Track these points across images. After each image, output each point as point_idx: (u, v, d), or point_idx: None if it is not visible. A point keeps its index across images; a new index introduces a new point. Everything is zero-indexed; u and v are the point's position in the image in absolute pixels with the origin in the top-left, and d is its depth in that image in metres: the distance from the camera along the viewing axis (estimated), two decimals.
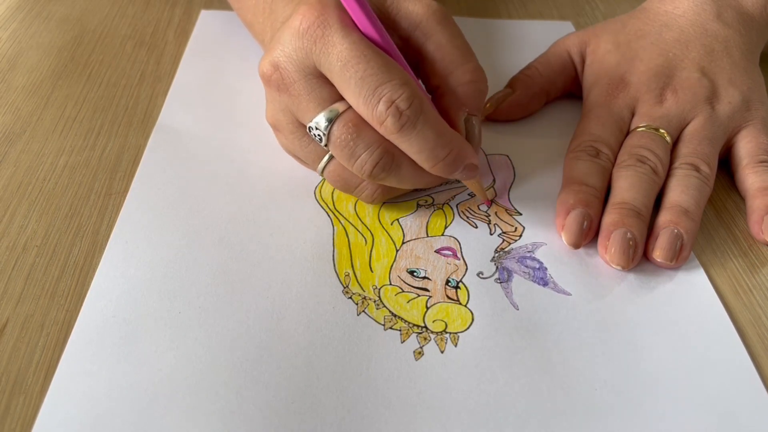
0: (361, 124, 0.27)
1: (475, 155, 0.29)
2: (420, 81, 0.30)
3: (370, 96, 0.26)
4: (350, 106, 0.27)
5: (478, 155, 0.30)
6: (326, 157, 0.30)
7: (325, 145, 0.28)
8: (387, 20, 0.30)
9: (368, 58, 0.26)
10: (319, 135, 0.28)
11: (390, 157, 0.28)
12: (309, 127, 0.28)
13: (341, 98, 0.27)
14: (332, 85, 0.27)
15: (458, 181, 0.34)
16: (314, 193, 0.33)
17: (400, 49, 0.29)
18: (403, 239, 0.31)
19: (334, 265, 0.29)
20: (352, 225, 0.31)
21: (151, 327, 0.26)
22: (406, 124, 0.26)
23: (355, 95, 0.26)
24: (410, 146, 0.27)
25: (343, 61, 0.26)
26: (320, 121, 0.27)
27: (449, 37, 0.29)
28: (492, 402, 0.24)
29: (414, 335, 0.26)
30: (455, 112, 0.29)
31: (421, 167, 0.28)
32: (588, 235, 0.30)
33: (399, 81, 0.26)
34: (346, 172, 0.30)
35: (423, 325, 0.27)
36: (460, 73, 0.29)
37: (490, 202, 0.33)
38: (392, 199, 0.32)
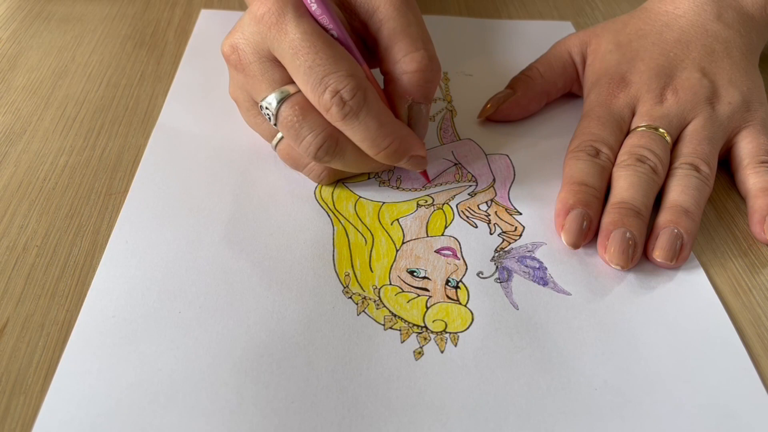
0: (307, 107, 0.28)
1: (420, 146, 0.30)
2: (370, 68, 0.31)
3: (317, 85, 0.27)
4: (299, 91, 0.29)
5: (424, 143, 0.32)
6: (278, 135, 0.32)
7: (274, 124, 0.29)
8: (346, 5, 0.31)
9: (317, 48, 0.27)
10: (269, 114, 0.29)
11: (333, 141, 0.29)
12: (261, 106, 0.30)
13: (292, 81, 0.29)
14: (284, 69, 0.29)
15: (458, 181, 0.34)
16: (314, 193, 0.33)
17: (359, 35, 0.31)
18: (403, 239, 0.31)
19: (334, 265, 0.29)
20: (352, 225, 0.31)
21: (151, 327, 0.26)
22: (349, 114, 0.28)
23: (303, 82, 0.28)
24: (353, 134, 0.29)
25: (294, 49, 0.27)
26: (271, 101, 0.29)
27: (403, 25, 0.30)
28: (492, 402, 0.24)
29: (414, 335, 0.26)
30: (398, 100, 0.31)
31: (365, 153, 0.30)
32: (587, 235, 0.30)
33: (345, 72, 0.27)
34: (296, 152, 0.31)
35: (423, 325, 0.27)
36: (407, 60, 0.30)
37: (429, 179, 0.34)
38: (347, 180, 0.34)
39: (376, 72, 0.32)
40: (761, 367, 0.26)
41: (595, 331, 0.27)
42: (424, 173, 0.34)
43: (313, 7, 0.28)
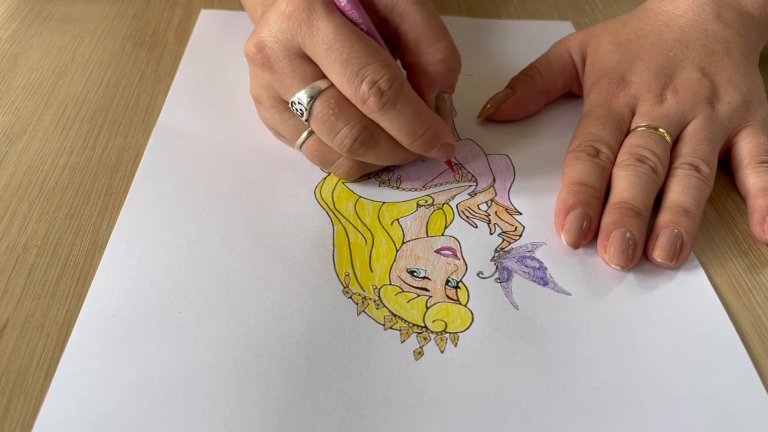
0: (342, 100, 0.29)
1: (451, 135, 0.31)
2: (397, 60, 0.32)
3: (354, 77, 0.28)
4: (331, 84, 0.29)
5: (452, 134, 0.33)
6: (305, 133, 0.31)
7: (306, 120, 0.30)
8: (365, 2, 0.31)
9: (352, 42, 0.28)
10: (301, 110, 0.29)
11: (369, 133, 0.29)
12: (291, 102, 0.30)
13: (323, 77, 0.29)
14: (314, 65, 0.29)
15: (458, 181, 0.34)
16: (314, 193, 0.33)
17: (378, 30, 0.31)
18: (403, 239, 0.31)
19: (334, 265, 0.29)
20: (352, 225, 0.31)
21: (151, 327, 0.26)
22: (387, 104, 0.28)
23: (339, 76, 0.28)
24: (391, 124, 0.29)
25: (328, 44, 0.28)
26: (302, 97, 0.29)
27: (423, 17, 0.31)
28: (492, 402, 0.24)
29: (414, 335, 0.26)
30: (426, 89, 0.31)
31: (398, 144, 0.30)
32: (587, 236, 0.30)
33: (381, 63, 0.28)
34: (325, 148, 0.31)
35: (423, 325, 0.27)
36: (432, 51, 0.31)
37: (453, 168, 0.34)
38: (362, 180, 0.34)
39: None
40: (761, 367, 0.26)
41: (595, 331, 0.27)
42: (449, 162, 0.34)
43: (343, 2, 0.29)
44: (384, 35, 0.32)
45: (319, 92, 0.29)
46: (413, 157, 0.33)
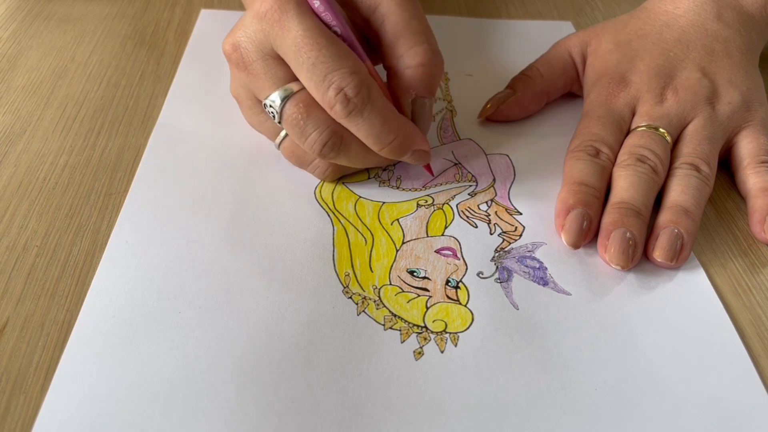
0: (312, 104, 0.29)
1: (423, 141, 0.31)
2: (373, 64, 0.31)
3: (321, 82, 0.27)
4: (303, 88, 0.29)
5: (426, 135, 0.32)
6: (282, 133, 0.32)
7: (279, 122, 0.30)
8: (348, 2, 0.31)
9: (320, 45, 0.27)
10: (273, 112, 0.29)
11: (338, 138, 0.29)
12: (264, 104, 0.30)
13: (296, 78, 0.29)
14: (288, 66, 0.29)
15: (458, 181, 0.34)
16: (314, 193, 0.33)
17: (361, 31, 0.31)
18: (403, 239, 0.31)
19: (334, 265, 0.29)
20: (352, 225, 0.31)
21: (151, 327, 0.26)
22: (354, 111, 0.28)
23: (306, 79, 0.28)
24: (358, 131, 0.29)
25: (297, 46, 0.27)
26: (275, 99, 0.29)
27: (405, 19, 0.30)
28: (492, 402, 0.24)
29: (414, 335, 0.26)
30: (402, 94, 0.31)
31: (369, 149, 0.30)
32: (588, 235, 0.30)
33: (348, 69, 0.27)
34: (300, 149, 0.31)
35: (423, 325, 0.27)
36: (410, 55, 0.30)
37: (432, 172, 0.34)
38: (348, 177, 0.34)
39: (379, 68, 0.32)
40: (761, 367, 0.26)
41: (595, 331, 0.27)
42: (428, 167, 0.34)
43: (316, 4, 0.28)
44: (367, 37, 0.32)
45: (291, 94, 0.29)
46: (387, 162, 0.33)
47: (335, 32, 0.29)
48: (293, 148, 0.32)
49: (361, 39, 0.31)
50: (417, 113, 0.32)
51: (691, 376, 0.25)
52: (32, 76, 0.40)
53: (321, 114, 0.29)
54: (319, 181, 0.33)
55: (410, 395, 0.24)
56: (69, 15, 0.47)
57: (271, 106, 0.29)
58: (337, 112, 0.28)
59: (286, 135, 0.31)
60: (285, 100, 0.29)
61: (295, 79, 0.29)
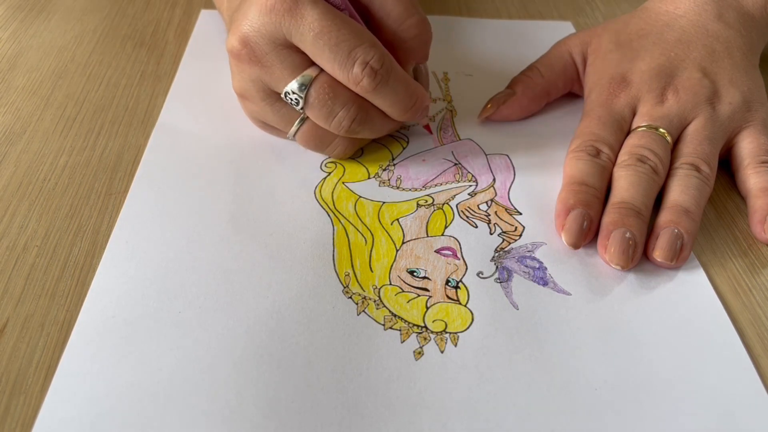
0: (335, 85, 0.30)
1: (428, 97, 0.33)
2: None
3: (345, 60, 0.28)
4: (321, 71, 0.30)
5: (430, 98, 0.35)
6: (298, 121, 0.32)
7: (302, 109, 0.30)
8: None
9: (338, 26, 0.28)
10: (296, 99, 0.30)
11: (365, 111, 0.31)
12: (285, 93, 0.30)
13: (310, 64, 0.30)
14: (301, 53, 0.29)
15: (458, 181, 0.34)
16: (314, 193, 0.33)
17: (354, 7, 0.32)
18: (403, 239, 0.31)
19: (334, 265, 0.29)
20: (352, 225, 0.31)
21: (151, 327, 0.26)
22: (381, 82, 0.29)
23: (330, 60, 0.29)
24: (384, 100, 0.30)
25: (315, 30, 0.28)
26: (294, 86, 0.30)
27: None
28: (492, 402, 0.24)
29: (414, 335, 0.26)
30: (405, 64, 0.33)
31: (388, 117, 0.32)
32: (588, 236, 0.30)
33: (369, 44, 0.29)
34: (321, 131, 0.32)
35: (423, 325, 0.27)
36: (405, 28, 0.32)
37: (431, 130, 0.37)
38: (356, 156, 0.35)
39: None
40: (761, 367, 0.26)
41: (595, 331, 0.27)
42: (428, 126, 0.36)
43: None
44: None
45: (311, 80, 0.29)
46: (399, 125, 0.35)
47: (343, 12, 0.30)
48: (314, 131, 0.32)
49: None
50: (418, 77, 0.35)
51: (691, 376, 0.25)
52: (32, 76, 0.40)
53: (345, 92, 0.30)
54: (319, 181, 0.33)
55: (410, 395, 0.24)
56: (69, 15, 0.47)
57: (293, 93, 0.30)
58: (364, 86, 0.29)
59: (302, 122, 0.32)
60: (306, 86, 0.29)
61: (310, 65, 0.30)
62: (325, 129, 0.32)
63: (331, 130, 0.31)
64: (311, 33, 0.28)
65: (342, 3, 0.30)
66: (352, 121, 0.30)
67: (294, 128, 0.32)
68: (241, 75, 0.31)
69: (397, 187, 0.33)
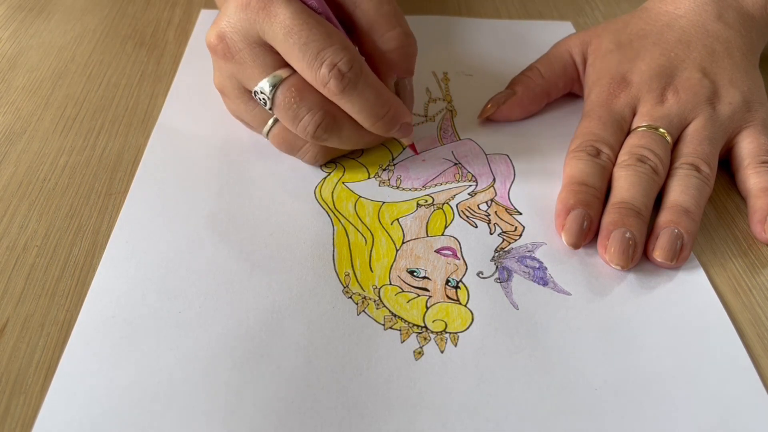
0: (303, 88, 0.29)
1: (408, 113, 0.32)
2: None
3: (313, 60, 0.28)
4: (293, 72, 0.29)
5: (412, 115, 0.34)
6: (271, 121, 0.32)
7: (270, 109, 0.30)
8: None
9: (310, 25, 0.28)
10: (264, 99, 0.30)
11: (332, 118, 0.30)
12: (254, 92, 0.30)
13: (284, 65, 0.29)
14: (275, 53, 0.29)
15: (458, 181, 0.34)
16: (314, 193, 0.33)
17: (336, 16, 0.31)
18: (403, 239, 0.31)
19: (334, 265, 0.29)
20: (352, 225, 0.31)
21: (151, 327, 0.26)
22: (348, 86, 0.28)
23: (298, 60, 0.28)
24: (352, 106, 0.29)
25: (286, 29, 0.28)
26: (264, 86, 0.29)
27: (375, 5, 0.31)
28: (492, 402, 0.24)
29: (414, 335, 0.26)
30: (384, 77, 0.32)
31: (361, 128, 0.31)
32: (588, 236, 0.30)
33: (339, 45, 0.28)
34: (290, 135, 0.32)
35: (423, 325, 0.27)
36: (386, 40, 0.31)
37: (417, 151, 0.35)
38: (338, 159, 0.35)
39: None
40: (761, 367, 0.26)
41: (595, 331, 0.27)
42: (413, 147, 0.35)
43: None
44: (341, 23, 0.32)
45: (281, 80, 0.29)
46: (377, 141, 0.34)
47: (319, 15, 0.29)
48: (283, 135, 0.32)
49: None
50: (400, 93, 0.34)
51: (691, 376, 0.25)
52: (32, 76, 0.40)
53: (313, 96, 0.29)
54: (319, 181, 0.33)
55: (410, 395, 0.24)
56: (69, 15, 0.47)
57: (261, 92, 0.29)
58: (331, 89, 0.28)
59: (275, 123, 0.32)
60: (275, 86, 0.29)
61: (283, 65, 0.29)
62: (295, 133, 0.31)
63: (298, 134, 0.31)
64: (282, 31, 0.28)
65: (319, 5, 0.29)
66: (317, 127, 0.30)
67: (267, 128, 0.32)
68: (219, 71, 0.31)
69: (397, 187, 0.33)
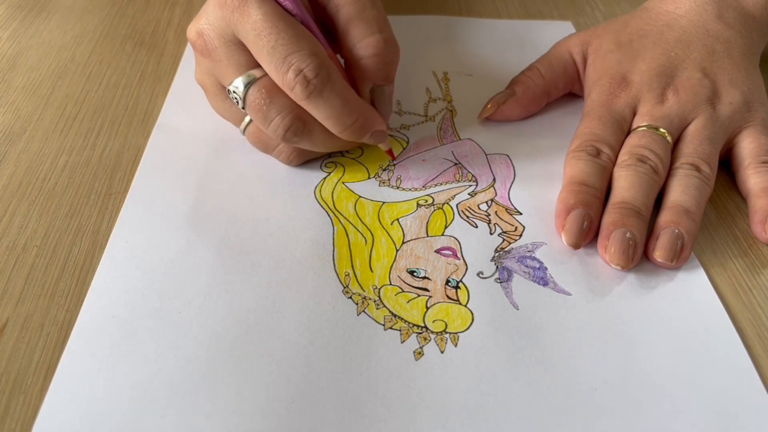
0: (274, 90, 0.29)
1: (381, 122, 0.31)
2: (334, 52, 0.32)
3: (280, 64, 0.28)
4: (266, 73, 0.29)
5: (387, 122, 0.34)
6: (246, 119, 0.32)
7: (242, 108, 0.30)
8: None
9: (279, 29, 0.28)
10: (236, 98, 0.30)
11: (301, 122, 0.30)
12: (228, 90, 0.30)
13: (259, 65, 0.29)
14: (249, 52, 0.29)
15: (458, 181, 0.34)
16: (314, 193, 0.33)
17: (320, 20, 0.31)
18: (403, 239, 0.31)
19: (334, 265, 0.29)
20: (352, 225, 0.31)
21: (151, 327, 0.26)
22: (314, 92, 0.28)
23: (267, 63, 0.28)
24: (319, 113, 0.29)
25: (256, 30, 0.28)
26: (238, 85, 0.29)
27: (357, 10, 0.31)
28: (492, 402, 0.24)
29: (414, 335, 0.26)
30: (360, 83, 0.32)
31: (331, 132, 0.30)
32: (588, 236, 0.30)
33: (307, 51, 0.28)
34: (265, 135, 0.32)
35: (423, 325, 0.27)
36: (363, 46, 0.31)
37: (394, 156, 0.35)
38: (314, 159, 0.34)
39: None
40: (761, 367, 0.26)
41: (595, 331, 0.27)
42: (390, 152, 0.34)
43: None
44: (326, 26, 0.32)
45: (254, 80, 0.29)
46: (350, 146, 0.34)
47: (295, 17, 0.29)
48: (258, 134, 0.32)
49: (320, 27, 0.32)
50: (376, 100, 0.33)
51: (691, 376, 0.25)
52: (32, 76, 0.40)
53: (283, 99, 0.29)
54: (319, 181, 0.33)
55: (410, 395, 0.24)
56: (69, 15, 0.47)
57: (234, 92, 0.30)
58: (297, 94, 0.28)
59: (251, 121, 0.32)
60: (248, 86, 0.29)
61: (258, 65, 0.29)
62: None
63: (270, 135, 0.31)
64: (253, 32, 0.28)
65: (294, 7, 0.29)
66: (286, 130, 0.29)
67: (243, 125, 0.32)
68: (199, 66, 0.32)
69: (397, 187, 0.33)
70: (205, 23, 0.29)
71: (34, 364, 0.25)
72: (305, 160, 0.34)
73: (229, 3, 0.28)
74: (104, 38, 0.44)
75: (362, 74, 0.31)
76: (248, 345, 0.25)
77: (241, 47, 0.29)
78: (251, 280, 0.28)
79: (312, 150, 0.33)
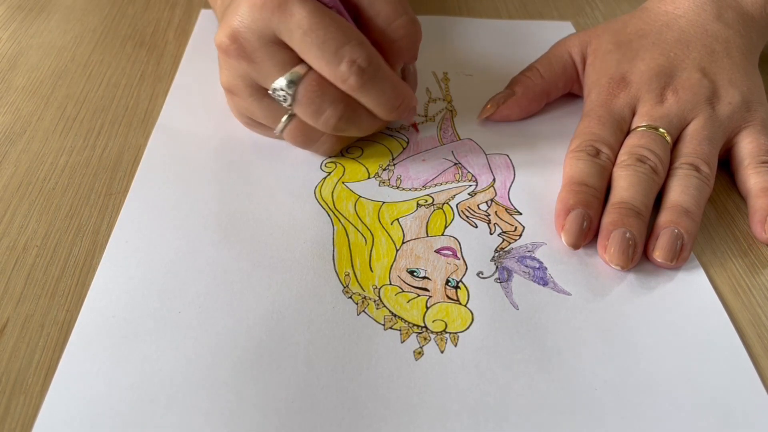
0: (323, 83, 0.30)
1: (416, 98, 0.33)
2: None
3: (332, 57, 0.28)
4: (309, 69, 0.30)
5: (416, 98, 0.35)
6: (285, 117, 0.32)
7: (290, 105, 0.30)
8: None
9: (326, 24, 0.28)
10: (284, 96, 0.30)
11: (352, 109, 0.31)
12: (273, 89, 0.30)
13: (298, 62, 0.30)
14: (289, 50, 0.29)
15: (458, 181, 0.34)
16: (314, 193, 0.33)
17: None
18: (403, 239, 0.31)
19: (334, 265, 0.29)
20: (352, 225, 0.31)
21: (151, 327, 0.26)
22: (368, 81, 0.29)
23: (317, 58, 0.29)
24: (371, 99, 0.30)
25: (303, 28, 0.28)
26: (282, 83, 0.30)
27: None
28: (492, 402, 0.24)
29: (414, 335, 0.26)
30: (393, 65, 0.33)
31: (375, 116, 0.32)
32: (588, 236, 0.30)
33: (356, 42, 0.29)
34: (308, 128, 0.32)
35: (423, 325, 0.27)
36: (394, 28, 0.32)
37: (418, 129, 0.37)
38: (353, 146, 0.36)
39: None
40: (761, 367, 0.26)
41: (595, 331, 0.27)
42: (415, 125, 0.37)
43: None
44: (348, 12, 0.32)
45: (300, 77, 0.29)
46: (386, 124, 0.36)
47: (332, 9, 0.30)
48: (301, 128, 0.32)
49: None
50: (406, 77, 0.35)
51: (691, 376, 0.25)
52: (32, 76, 0.40)
53: (333, 90, 0.30)
54: (319, 181, 0.33)
55: (410, 395, 0.24)
56: (69, 15, 0.47)
57: (280, 90, 0.30)
58: (351, 84, 0.29)
59: (290, 118, 0.32)
60: (294, 83, 0.30)
61: (298, 62, 0.30)
62: (312, 126, 0.32)
63: (319, 128, 0.31)
64: (299, 30, 0.28)
65: (330, 0, 0.30)
66: (339, 119, 0.30)
67: (281, 125, 0.32)
68: (230, 70, 0.31)
69: (397, 187, 0.34)
70: (240, 26, 0.29)
71: (35, 364, 0.25)
72: (341, 148, 0.35)
73: (268, 4, 0.28)
74: (104, 38, 0.44)
75: (395, 56, 0.32)
76: (248, 345, 0.25)
77: (282, 47, 0.29)
78: (251, 280, 0.28)
79: (355, 135, 0.34)
